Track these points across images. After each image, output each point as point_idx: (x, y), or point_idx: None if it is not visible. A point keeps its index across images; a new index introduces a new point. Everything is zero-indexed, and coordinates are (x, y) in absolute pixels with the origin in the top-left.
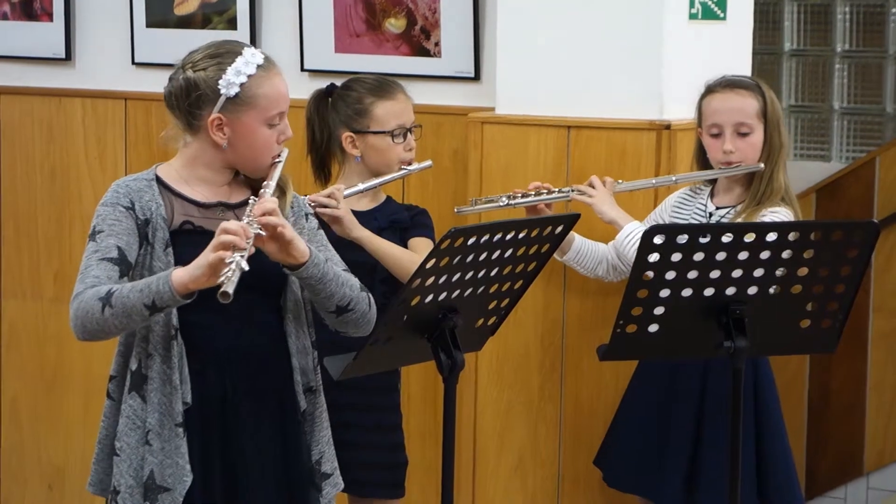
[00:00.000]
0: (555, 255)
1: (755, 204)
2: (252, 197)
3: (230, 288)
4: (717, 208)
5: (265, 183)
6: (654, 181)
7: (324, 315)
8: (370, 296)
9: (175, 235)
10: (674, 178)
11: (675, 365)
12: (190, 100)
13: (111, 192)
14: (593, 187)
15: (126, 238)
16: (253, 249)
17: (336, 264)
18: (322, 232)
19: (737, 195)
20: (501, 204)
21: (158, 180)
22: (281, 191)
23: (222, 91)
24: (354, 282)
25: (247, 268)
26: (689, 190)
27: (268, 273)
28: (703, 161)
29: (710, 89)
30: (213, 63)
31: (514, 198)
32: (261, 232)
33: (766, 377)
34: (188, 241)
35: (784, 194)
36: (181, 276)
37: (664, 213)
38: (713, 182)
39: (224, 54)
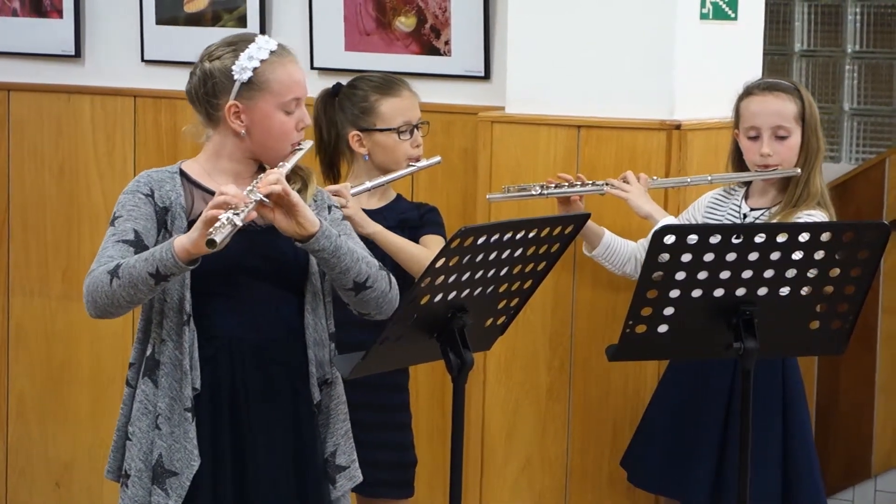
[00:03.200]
0: (584, 250)
1: (791, 206)
2: (261, 175)
3: (217, 237)
4: (752, 210)
5: (280, 164)
6: (689, 179)
7: (343, 295)
8: (391, 275)
9: (193, 225)
10: (709, 178)
11: (704, 365)
12: (206, 89)
13: (133, 182)
14: (628, 182)
15: (144, 223)
16: (254, 214)
17: (357, 244)
18: (347, 223)
19: (772, 197)
20: (534, 193)
21: (182, 173)
22: (303, 183)
23: (236, 76)
24: (373, 261)
25: (240, 224)
26: (723, 191)
27: (287, 265)
28: (738, 162)
29: (749, 91)
30: (228, 51)
31: (547, 188)
32: (263, 198)
33: (794, 376)
34: None
35: (820, 198)
36: (181, 240)
37: (697, 212)
38: (748, 183)
39: (238, 42)
